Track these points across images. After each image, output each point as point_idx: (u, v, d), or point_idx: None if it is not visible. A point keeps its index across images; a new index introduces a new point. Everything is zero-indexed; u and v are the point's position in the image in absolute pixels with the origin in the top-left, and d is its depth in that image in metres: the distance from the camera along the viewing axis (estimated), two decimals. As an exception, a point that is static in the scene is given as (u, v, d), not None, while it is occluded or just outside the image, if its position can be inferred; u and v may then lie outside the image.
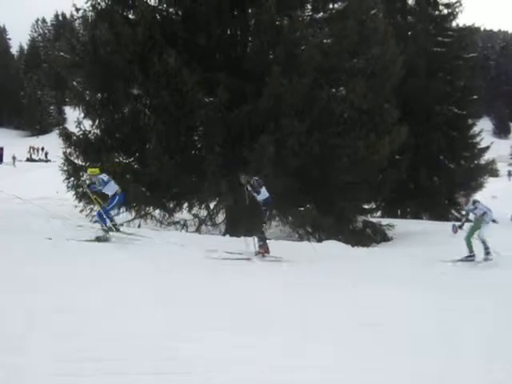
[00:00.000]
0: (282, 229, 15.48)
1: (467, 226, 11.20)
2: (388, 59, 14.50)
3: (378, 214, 21.92)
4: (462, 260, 10.73)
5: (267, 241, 10.09)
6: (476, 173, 25.27)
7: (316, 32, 14.60)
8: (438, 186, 23.62)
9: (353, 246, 12.30)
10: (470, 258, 10.70)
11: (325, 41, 14.25)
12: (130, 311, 4.85)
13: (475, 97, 25.87)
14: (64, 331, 3.94)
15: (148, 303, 5.23)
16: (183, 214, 15.09)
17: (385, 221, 16.48)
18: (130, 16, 14.59)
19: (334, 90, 13.76)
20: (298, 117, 12.81)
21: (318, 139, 13.02)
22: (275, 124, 12.84)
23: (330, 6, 15.02)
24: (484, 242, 10.61)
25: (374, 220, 16.36)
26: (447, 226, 15.81)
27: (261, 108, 12.93)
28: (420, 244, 13.55)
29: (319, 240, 13.43)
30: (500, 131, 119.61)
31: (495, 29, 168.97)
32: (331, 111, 13.35)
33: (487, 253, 10.56)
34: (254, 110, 12.97)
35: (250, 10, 14.52)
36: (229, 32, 14.68)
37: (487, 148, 25.85)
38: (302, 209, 13.78)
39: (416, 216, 23.78)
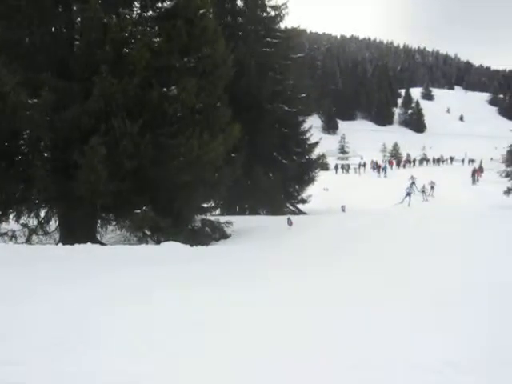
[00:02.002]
0: (120, 233, 15.04)
1: None
2: (218, 58, 14.62)
3: (218, 211, 22.21)
4: None
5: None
6: (308, 167, 26.64)
7: (145, 31, 14.32)
8: (273, 182, 24.41)
9: (192, 245, 12.25)
10: None
11: (154, 40, 14.03)
12: None
13: (304, 95, 27.19)
14: None
15: None
16: (11, 225, 14.01)
17: (223, 218, 16.68)
18: None
19: (165, 89, 13.54)
20: (129, 117, 12.44)
21: (152, 140, 12.78)
22: (106, 125, 12.37)
23: (159, 4, 14.78)
24: None
25: (212, 218, 16.49)
26: (283, 219, 16.52)
27: (90, 109, 12.38)
28: (259, 238, 13.94)
29: (157, 242, 13.23)
30: (328, 127, 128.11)
31: (320, 32, 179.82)
32: (164, 111, 13.14)
33: None
34: (84, 112, 12.39)
35: (75, 7, 13.86)
36: (53, 30, 13.88)
37: (317, 143, 27.38)
38: (139, 211, 13.45)
39: (254, 212, 24.46)
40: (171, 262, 9.60)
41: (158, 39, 13.87)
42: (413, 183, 32.95)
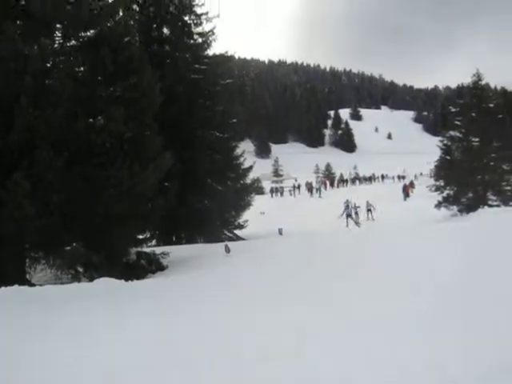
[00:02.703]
0: (51, 271, 14.32)
1: None
2: (146, 87, 14.32)
3: (153, 242, 21.71)
4: None
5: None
6: (243, 192, 26.53)
7: (68, 60, 13.88)
8: (208, 209, 24.15)
9: (127, 280, 11.76)
10: None
11: (78, 69, 13.63)
12: None
13: (235, 120, 27.19)
14: None
15: None
16: None
17: (159, 249, 16.22)
18: None
19: (91, 119, 13.11)
20: (54, 150, 11.90)
21: (80, 172, 12.28)
22: (30, 158, 11.79)
23: (82, 33, 14.39)
24: None
25: (147, 250, 16.01)
26: (220, 246, 16.22)
27: (12, 142, 11.80)
28: (197, 268, 13.48)
29: (91, 279, 12.59)
30: (261, 151, 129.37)
31: (248, 57, 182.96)
32: (91, 142, 12.67)
33: None
34: (5, 145, 11.80)
35: (-9, 38, 13.29)
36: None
37: (251, 168, 27.34)
38: (69, 248, 12.86)
39: (191, 240, 24.02)
40: (99, 302, 9.12)
41: (82, 68, 13.49)
42: (347, 206, 32.35)
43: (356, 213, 32.74)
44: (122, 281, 11.38)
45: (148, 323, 7.16)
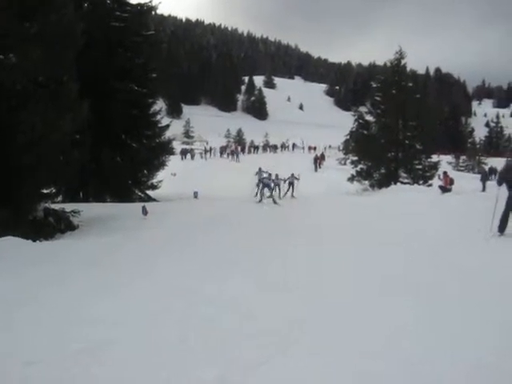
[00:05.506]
0: None
1: None
2: (66, 26, 12.83)
3: (59, 198, 20.18)
4: None
5: None
6: (158, 151, 25.24)
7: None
8: (121, 166, 22.81)
9: (34, 240, 10.60)
10: None
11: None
12: None
13: (154, 75, 25.72)
14: None
15: None
16: None
17: (68, 206, 14.93)
18: None
19: (2, 56, 11.56)
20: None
21: (-14, 115, 10.84)
22: None
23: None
24: None
25: (56, 207, 14.68)
26: (136, 207, 15.25)
27: None
28: (115, 231, 12.37)
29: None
30: (173, 111, 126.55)
31: (166, 13, 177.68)
32: (1, 82, 11.20)
33: None
34: None
35: None
36: None
37: (167, 126, 26.13)
38: (-30, 200, 11.43)
39: (99, 198, 22.61)
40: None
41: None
42: (262, 180, 23.17)
43: (274, 185, 23.99)
44: (30, 241, 10.24)
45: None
